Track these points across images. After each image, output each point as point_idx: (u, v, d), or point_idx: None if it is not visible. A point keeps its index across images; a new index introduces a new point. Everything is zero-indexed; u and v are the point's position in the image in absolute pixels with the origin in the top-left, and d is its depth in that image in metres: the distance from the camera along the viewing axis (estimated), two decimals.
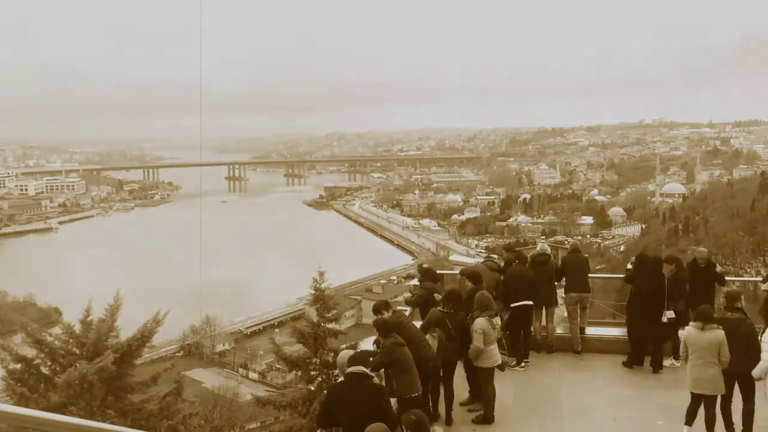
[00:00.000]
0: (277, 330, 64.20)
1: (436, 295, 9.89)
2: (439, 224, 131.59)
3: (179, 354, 69.14)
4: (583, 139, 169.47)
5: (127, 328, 14.09)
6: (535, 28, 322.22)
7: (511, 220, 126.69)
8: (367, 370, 6.48)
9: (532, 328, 11.30)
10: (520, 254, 11.87)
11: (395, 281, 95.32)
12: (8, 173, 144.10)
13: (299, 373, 17.01)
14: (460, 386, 9.10)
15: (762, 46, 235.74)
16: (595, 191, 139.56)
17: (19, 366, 13.03)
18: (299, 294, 65.39)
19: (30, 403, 11.84)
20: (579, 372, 10.83)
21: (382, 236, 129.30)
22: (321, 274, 16.79)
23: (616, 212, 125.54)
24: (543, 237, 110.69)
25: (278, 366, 51.20)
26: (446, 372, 8.71)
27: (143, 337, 13.80)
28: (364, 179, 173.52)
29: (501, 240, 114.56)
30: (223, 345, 75.86)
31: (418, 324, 9.09)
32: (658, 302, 10.28)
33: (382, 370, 7.45)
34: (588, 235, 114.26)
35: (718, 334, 7.89)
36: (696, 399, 8.07)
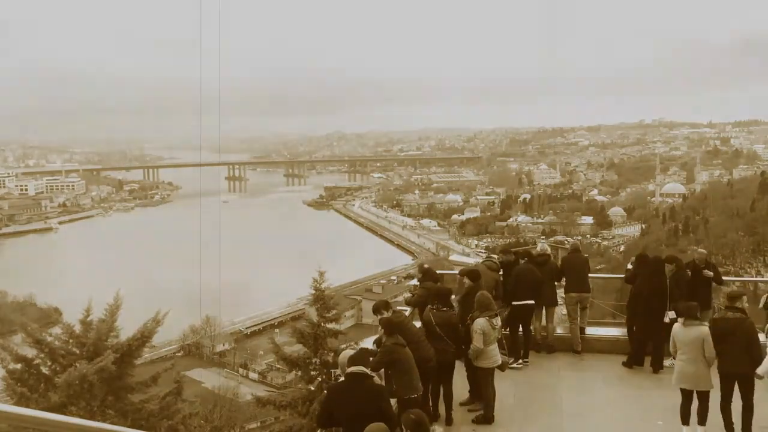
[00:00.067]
0: (277, 330, 64.19)
1: None
2: (439, 224, 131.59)
3: (179, 354, 69.14)
4: (583, 139, 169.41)
5: (127, 328, 14.09)
6: (535, 28, 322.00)
7: (511, 220, 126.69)
8: (367, 370, 6.49)
9: (532, 328, 11.32)
10: (529, 253, 11.90)
11: (395, 281, 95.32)
12: (8, 173, 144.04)
13: (299, 373, 17.03)
14: (461, 386, 9.10)
15: (762, 47, 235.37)
16: (595, 191, 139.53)
17: (19, 366, 13.04)
18: (299, 294, 65.38)
19: (30, 403, 11.84)
20: (579, 372, 10.84)
21: (382, 236, 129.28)
22: (321, 274, 16.82)
23: (616, 212, 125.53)
24: (543, 237, 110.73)
25: (278, 366, 51.21)
26: (445, 372, 8.72)
27: (143, 337, 13.81)
28: (364, 179, 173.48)
29: (501, 240, 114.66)
30: (223, 345, 75.86)
31: (417, 324, 9.11)
32: (660, 302, 10.28)
33: (382, 370, 7.45)
34: (588, 235, 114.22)
35: (701, 330, 7.96)
36: (684, 395, 8.14)
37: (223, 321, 77.22)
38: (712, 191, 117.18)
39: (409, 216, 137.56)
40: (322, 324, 16.34)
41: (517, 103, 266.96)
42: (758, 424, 7.84)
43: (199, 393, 36.82)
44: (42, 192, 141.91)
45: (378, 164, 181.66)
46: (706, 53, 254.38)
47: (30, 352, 13.17)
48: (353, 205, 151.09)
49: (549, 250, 12.33)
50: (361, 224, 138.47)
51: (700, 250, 12.13)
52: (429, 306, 8.92)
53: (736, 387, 7.93)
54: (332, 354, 15.78)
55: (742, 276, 71.32)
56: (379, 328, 7.72)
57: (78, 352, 12.95)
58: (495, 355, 8.70)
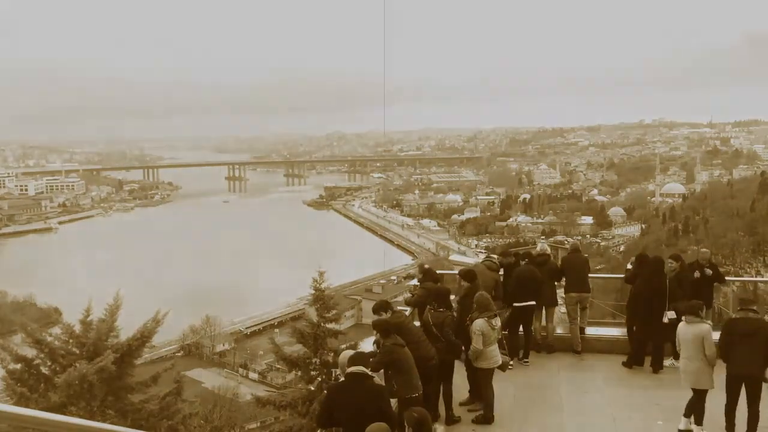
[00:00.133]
0: (277, 330, 64.17)
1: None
2: (439, 224, 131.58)
3: (179, 354, 69.12)
4: (583, 139, 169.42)
5: (127, 328, 14.08)
6: (535, 28, 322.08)
7: (511, 220, 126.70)
8: (367, 371, 6.49)
9: (532, 328, 11.32)
10: (529, 254, 11.93)
11: (395, 281, 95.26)
12: (8, 173, 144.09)
13: (299, 373, 17.00)
14: (461, 386, 9.10)
15: (762, 46, 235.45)
16: (595, 191, 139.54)
17: (19, 366, 13.01)
18: (299, 294, 65.43)
19: (30, 403, 11.83)
20: (579, 372, 10.84)
21: (382, 236, 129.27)
22: (321, 274, 16.79)
23: (616, 212, 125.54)
24: (543, 237, 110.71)
25: (278, 366, 51.18)
26: (444, 372, 8.72)
27: (143, 337, 13.78)
28: (364, 179, 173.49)
29: (501, 240, 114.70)
30: (223, 345, 75.85)
31: (417, 324, 9.11)
32: (659, 302, 10.27)
33: (382, 370, 7.45)
34: (588, 235, 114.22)
35: (702, 328, 7.96)
36: (696, 394, 8.13)
37: (223, 321, 77.25)
38: (712, 191, 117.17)
39: (409, 216, 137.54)
40: (322, 324, 16.32)
41: (517, 103, 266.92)
42: (761, 424, 7.82)
43: (199, 393, 36.83)
44: (42, 192, 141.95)
45: (378, 164, 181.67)
46: (707, 53, 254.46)
47: (30, 352, 13.15)
48: (353, 205, 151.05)
49: (549, 250, 12.34)
50: (361, 224, 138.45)
51: (703, 249, 12.12)
52: (428, 306, 8.93)
53: (743, 392, 7.85)
54: (332, 354, 15.78)
55: (742, 276, 71.27)
56: (377, 333, 7.69)
57: (78, 352, 12.93)
58: (495, 356, 8.70)
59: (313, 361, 16.23)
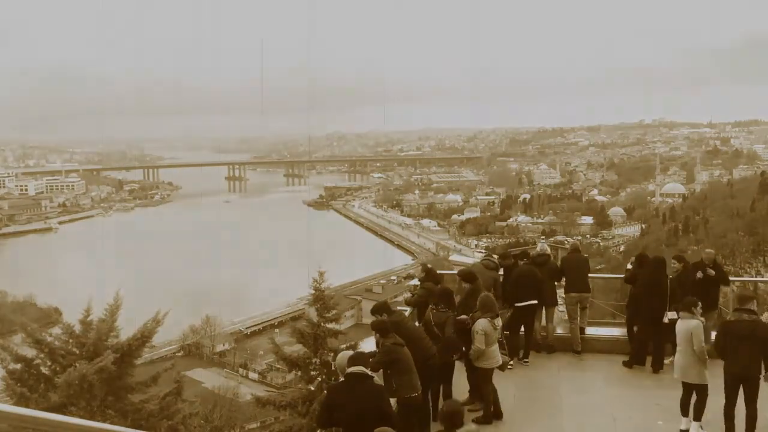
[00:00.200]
0: (277, 330, 64.17)
1: None
2: (439, 224, 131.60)
3: (179, 354, 69.13)
4: (583, 139, 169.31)
5: (127, 328, 14.09)
6: (535, 28, 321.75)
7: (511, 220, 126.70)
8: (367, 371, 6.49)
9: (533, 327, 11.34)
10: (527, 253, 11.94)
11: (395, 281, 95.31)
12: (8, 173, 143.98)
13: (299, 373, 17.01)
14: (461, 386, 9.10)
15: (762, 46, 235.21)
16: (595, 191, 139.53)
17: (19, 366, 13.02)
18: (299, 294, 65.43)
19: (30, 403, 11.83)
20: (579, 372, 10.84)
21: (382, 236, 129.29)
22: (321, 274, 16.80)
23: (616, 212, 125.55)
24: (543, 237, 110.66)
25: (278, 366, 51.18)
26: (445, 372, 8.73)
27: (143, 337, 13.79)
28: (364, 179, 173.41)
29: (501, 240, 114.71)
30: (223, 345, 75.86)
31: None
32: (660, 303, 10.27)
33: (381, 370, 7.46)
34: (588, 235, 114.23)
35: (691, 323, 8.07)
36: (683, 388, 8.29)
37: (223, 321, 77.27)
38: (712, 191, 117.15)
39: (409, 216, 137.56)
40: (322, 324, 16.33)
41: (517, 103, 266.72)
42: (761, 424, 7.83)
43: (199, 393, 36.84)
44: (42, 192, 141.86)
45: (378, 164, 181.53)
46: (707, 53, 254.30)
47: (30, 352, 13.15)
48: (353, 205, 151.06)
49: (549, 251, 12.35)
50: (361, 224, 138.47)
51: (707, 250, 12.12)
52: (431, 306, 8.94)
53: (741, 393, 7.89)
54: (332, 354, 15.78)
55: (742, 276, 71.28)
56: (376, 333, 7.69)
57: (78, 352, 12.93)
58: (496, 356, 8.73)
59: (313, 361, 16.24)
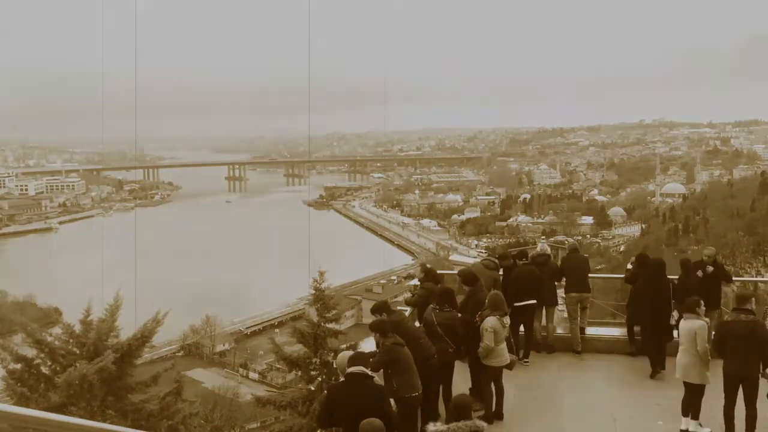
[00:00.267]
0: (277, 330, 64.17)
1: None
2: (439, 224, 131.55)
3: (179, 354, 69.09)
4: (583, 139, 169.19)
5: (127, 328, 14.08)
6: (535, 28, 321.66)
7: (511, 220, 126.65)
8: (368, 371, 6.49)
9: (533, 327, 11.34)
10: (525, 253, 11.97)
11: (395, 281, 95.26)
12: (8, 173, 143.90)
13: (299, 373, 17.00)
14: (461, 386, 9.10)
15: (762, 46, 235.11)
16: (595, 191, 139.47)
17: (19, 366, 13.02)
18: (299, 294, 65.35)
19: (30, 403, 11.83)
20: (579, 372, 10.84)
21: (382, 236, 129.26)
22: (321, 274, 16.79)
23: (616, 212, 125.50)
24: (543, 237, 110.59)
25: (278, 366, 51.18)
26: (445, 373, 8.73)
27: (143, 337, 13.79)
28: (364, 179, 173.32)
29: (501, 240, 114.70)
30: (223, 345, 75.83)
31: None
32: (664, 306, 10.24)
33: (381, 370, 7.45)
34: (588, 235, 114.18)
35: (694, 323, 8.06)
36: (685, 387, 8.26)
37: (223, 321, 77.23)
38: (712, 191, 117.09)
39: (409, 216, 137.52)
40: (322, 324, 16.32)
41: (517, 103, 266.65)
42: (761, 424, 7.82)
43: (199, 393, 36.82)
44: (42, 192, 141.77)
45: (378, 164, 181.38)
46: (707, 53, 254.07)
47: (30, 352, 13.16)
48: (353, 205, 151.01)
49: (549, 251, 12.35)
50: (361, 224, 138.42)
51: (709, 248, 12.11)
52: (431, 306, 8.93)
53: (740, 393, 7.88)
54: (332, 354, 15.78)
55: (742, 276, 71.25)
56: (376, 333, 7.68)
57: (78, 352, 12.93)
58: (504, 354, 8.77)
59: (313, 361, 16.23)
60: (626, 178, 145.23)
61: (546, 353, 11.44)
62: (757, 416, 7.71)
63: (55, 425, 4.42)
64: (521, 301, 10.83)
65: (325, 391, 9.72)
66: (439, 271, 11.61)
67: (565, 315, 12.11)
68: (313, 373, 16.35)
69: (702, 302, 8.48)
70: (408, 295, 11.59)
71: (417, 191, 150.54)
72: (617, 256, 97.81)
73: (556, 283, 11.89)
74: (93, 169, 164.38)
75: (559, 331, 11.95)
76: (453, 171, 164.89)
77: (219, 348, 74.80)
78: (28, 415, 4.17)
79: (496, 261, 11.58)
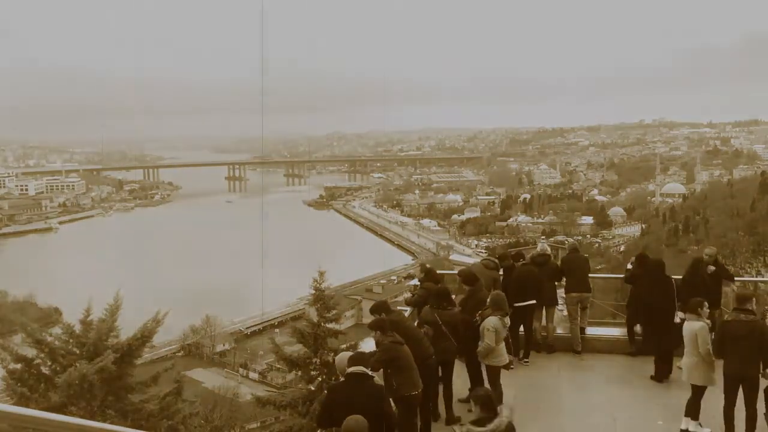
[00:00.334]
0: (277, 330, 64.20)
1: None
2: (439, 224, 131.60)
3: (179, 354, 69.06)
4: (583, 139, 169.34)
5: (127, 328, 14.08)
6: (535, 28, 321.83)
7: (511, 220, 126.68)
8: (368, 371, 6.49)
9: (532, 327, 11.34)
10: (522, 253, 12.01)
11: (395, 281, 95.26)
12: (8, 173, 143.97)
13: (299, 373, 17.01)
14: (460, 385, 9.11)
15: (762, 46, 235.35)
16: (595, 191, 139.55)
17: (19, 366, 13.01)
18: (299, 294, 65.35)
19: (30, 403, 11.83)
20: (579, 372, 10.84)
21: (382, 236, 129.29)
22: (321, 274, 16.80)
23: (616, 212, 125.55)
24: (543, 237, 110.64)
25: (278, 366, 51.15)
26: (444, 371, 8.74)
27: (143, 337, 13.78)
28: (364, 179, 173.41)
29: (501, 240, 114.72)
30: (223, 345, 75.83)
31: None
32: (668, 306, 10.22)
33: (381, 369, 7.45)
34: (588, 235, 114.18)
35: (695, 325, 8.06)
36: (692, 390, 8.23)
37: (223, 321, 77.23)
38: (712, 191, 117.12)
39: (409, 216, 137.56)
40: (322, 324, 16.33)
41: (517, 103, 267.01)
42: (759, 425, 7.81)
43: (199, 393, 36.77)
44: (42, 192, 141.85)
45: (378, 164, 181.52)
46: (707, 53, 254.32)
47: (30, 352, 13.14)
48: (353, 205, 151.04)
49: (549, 251, 12.36)
50: (361, 224, 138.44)
51: (709, 247, 12.11)
52: (430, 306, 8.93)
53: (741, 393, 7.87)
54: (332, 354, 15.78)
55: (742, 276, 71.24)
56: (375, 332, 7.68)
57: (78, 352, 12.92)
58: (504, 354, 8.80)
59: (313, 361, 16.24)
60: (626, 178, 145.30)
61: (546, 353, 11.45)
62: (758, 416, 7.69)
63: (55, 425, 4.42)
64: (522, 302, 10.85)
65: (325, 391, 9.72)
66: (439, 271, 11.62)
67: (565, 315, 12.12)
68: (313, 373, 16.35)
69: (705, 303, 8.48)
70: (408, 295, 11.60)
71: (417, 191, 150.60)
72: (617, 256, 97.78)
73: (556, 283, 11.90)
74: (93, 169, 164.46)
75: (559, 331, 11.95)
76: (453, 171, 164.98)
77: (219, 348, 74.80)
78: (28, 415, 4.17)
79: (496, 261, 11.59)
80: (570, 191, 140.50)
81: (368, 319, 9.33)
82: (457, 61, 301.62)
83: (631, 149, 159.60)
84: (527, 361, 11.05)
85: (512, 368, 10.54)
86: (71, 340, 13.22)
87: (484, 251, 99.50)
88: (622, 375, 10.57)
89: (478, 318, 8.80)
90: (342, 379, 6.75)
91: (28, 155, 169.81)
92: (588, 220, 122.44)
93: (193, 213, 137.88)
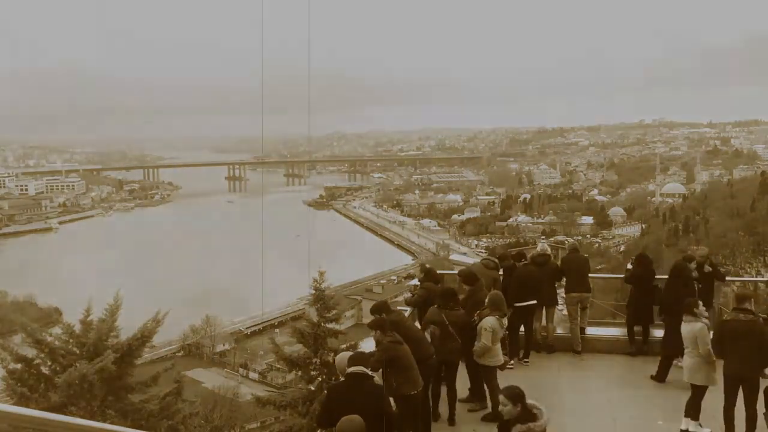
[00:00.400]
0: (277, 330, 64.15)
1: None
2: (439, 224, 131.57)
3: (179, 354, 69.07)
4: (583, 139, 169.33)
5: (127, 328, 14.08)
6: (535, 28, 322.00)
7: (511, 220, 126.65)
8: (368, 371, 6.49)
9: (533, 327, 11.35)
10: (522, 253, 12.01)
11: (395, 281, 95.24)
12: (8, 173, 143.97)
13: (299, 373, 17.00)
14: (461, 385, 9.11)
15: (762, 46, 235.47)
16: (595, 191, 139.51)
17: (19, 366, 13.00)
18: (299, 294, 65.35)
19: (30, 403, 11.82)
20: (579, 372, 10.84)
21: (382, 236, 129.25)
22: (321, 274, 16.79)
23: (616, 212, 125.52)
24: (543, 237, 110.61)
25: (278, 366, 51.15)
26: (448, 372, 8.74)
27: (143, 337, 13.77)
28: (364, 179, 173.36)
29: (501, 240, 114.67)
30: (223, 345, 75.81)
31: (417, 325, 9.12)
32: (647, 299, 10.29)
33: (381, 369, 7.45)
34: (588, 235, 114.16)
35: (695, 326, 8.07)
36: (692, 390, 8.25)
37: (223, 321, 77.22)
38: (712, 191, 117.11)
39: (409, 216, 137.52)
40: (323, 324, 16.32)
41: (517, 103, 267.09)
42: (759, 425, 7.80)
43: (199, 393, 36.78)
44: (42, 192, 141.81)
45: (378, 164, 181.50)
46: (707, 53, 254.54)
47: (30, 352, 13.13)
48: (353, 205, 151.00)
49: (549, 251, 12.36)
50: (361, 224, 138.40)
51: (701, 248, 12.14)
52: (436, 306, 8.92)
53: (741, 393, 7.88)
54: (332, 354, 15.78)
55: (742, 276, 71.27)
56: (375, 332, 7.68)
57: (78, 352, 12.91)
58: (499, 354, 8.82)
59: (314, 361, 16.23)
60: (626, 178, 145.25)
61: (546, 353, 11.45)
62: (758, 417, 7.69)
63: (55, 425, 4.42)
64: (522, 302, 10.85)
65: (325, 391, 9.72)
66: (439, 271, 11.62)
67: (565, 315, 12.12)
68: (313, 373, 16.35)
69: (700, 303, 8.49)
70: (408, 295, 11.59)
71: (417, 191, 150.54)
72: (617, 256, 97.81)
73: (556, 283, 11.90)
74: (93, 169, 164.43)
75: (559, 331, 11.95)
76: (453, 171, 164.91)
77: (219, 348, 74.78)
78: (28, 415, 4.17)
79: (496, 261, 11.59)
80: (570, 191, 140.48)
81: (368, 319, 9.33)
82: (458, 61, 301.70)
83: (631, 149, 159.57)
84: (527, 361, 11.05)
85: (511, 367, 10.57)
86: (71, 340, 13.21)
87: (484, 251, 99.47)
88: (622, 375, 10.57)
89: (476, 318, 8.80)
90: (342, 378, 6.75)
91: (28, 155, 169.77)
92: (588, 220, 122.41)
93: (193, 213, 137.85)
